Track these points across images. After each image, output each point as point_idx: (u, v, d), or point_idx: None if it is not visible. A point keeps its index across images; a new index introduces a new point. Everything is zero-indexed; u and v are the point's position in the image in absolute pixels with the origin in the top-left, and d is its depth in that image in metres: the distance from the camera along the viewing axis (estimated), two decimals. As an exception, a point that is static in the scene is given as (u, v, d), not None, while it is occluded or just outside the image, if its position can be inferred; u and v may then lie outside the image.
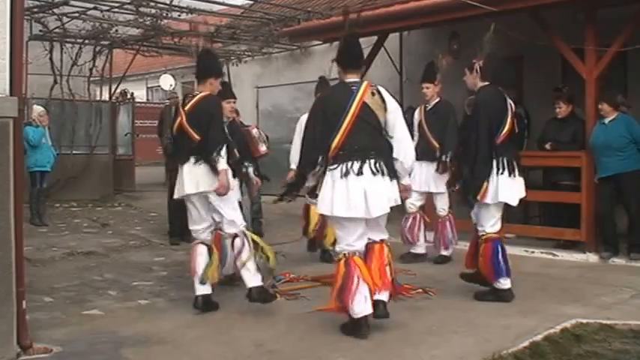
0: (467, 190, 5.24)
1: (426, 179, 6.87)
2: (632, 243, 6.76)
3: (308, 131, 4.61)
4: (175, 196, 5.31)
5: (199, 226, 5.23)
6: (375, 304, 4.39)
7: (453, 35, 9.34)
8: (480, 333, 4.44)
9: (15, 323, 3.97)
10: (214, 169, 4.98)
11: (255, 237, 5.30)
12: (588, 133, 6.99)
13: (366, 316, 4.35)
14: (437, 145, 6.81)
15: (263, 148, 7.22)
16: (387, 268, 4.50)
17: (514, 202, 5.24)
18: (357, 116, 4.38)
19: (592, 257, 6.92)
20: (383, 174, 4.37)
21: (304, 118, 6.49)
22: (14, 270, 3.95)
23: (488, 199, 5.15)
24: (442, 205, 6.96)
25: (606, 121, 6.81)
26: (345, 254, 4.41)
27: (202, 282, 5.11)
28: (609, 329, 4.44)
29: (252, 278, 5.06)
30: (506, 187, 5.16)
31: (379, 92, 4.48)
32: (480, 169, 5.12)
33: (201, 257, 5.15)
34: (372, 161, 4.35)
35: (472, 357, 3.98)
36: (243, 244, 5.09)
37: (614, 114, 6.79)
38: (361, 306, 4.31)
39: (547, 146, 7.44)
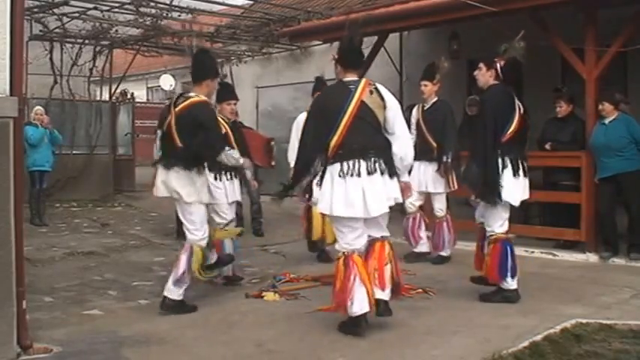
0: (486, 190, 5.12)
1: (424, 179, 6.86)
2: (632, 243, 6.75)
3: (306, 131, 4.58)
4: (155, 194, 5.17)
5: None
6: (377, 302, 4.38)
7: (453, 35, 9.33)
8: (480, 333, 4.43)
9: (15, 323, 3.97)
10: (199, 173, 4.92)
11: (197, 265, 5.00)
12: (588, 133, 6.99)
13: (364, 315, 4.34)
14: (434, 145, 6.81)
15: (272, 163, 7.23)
16: (388, 267, 4.46)
17: (516, 203, 5.18)
18: (355, 115, 4.35)
19: (592, 257, 6.91)
20: (382, 173, 4.35)
21: (301, 117, 6.49)
22: (14, 270, 3.95)
23: None
24: (440, 206, 6.94)
25: (606, 121, 6.80)
26: (344, 253, 4.41)
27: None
28: (609, 329, 4.44)
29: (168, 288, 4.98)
30: (509, 187, 5.10)
31: (378, 90, 4.45)
32: (492, 169, 5.06)
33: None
34: (372, 160, 4.33)
35: (472, 357, 3.97)
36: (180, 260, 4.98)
37: (615, 113, 6.78)
38: (359, 304, 4.30)
39: (547, 146, 7.43)
